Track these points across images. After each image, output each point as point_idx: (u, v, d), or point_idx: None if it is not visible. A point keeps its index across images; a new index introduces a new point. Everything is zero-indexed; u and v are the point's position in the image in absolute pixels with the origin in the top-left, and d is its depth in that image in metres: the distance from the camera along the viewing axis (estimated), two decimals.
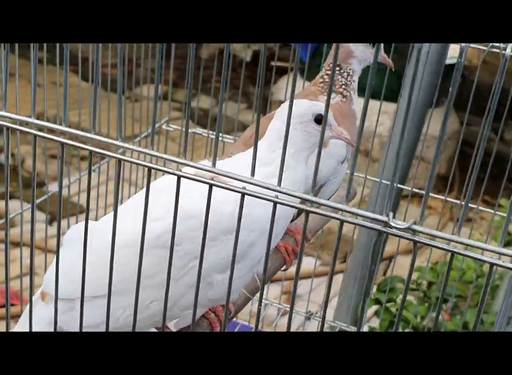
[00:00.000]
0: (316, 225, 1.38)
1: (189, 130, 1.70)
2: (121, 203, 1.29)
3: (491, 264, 0.61)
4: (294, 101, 0.93)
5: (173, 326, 1.01)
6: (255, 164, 0.70)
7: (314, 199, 0.66)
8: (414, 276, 2.33)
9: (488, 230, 1.98)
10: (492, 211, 1.84)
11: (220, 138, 1.74)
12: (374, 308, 2.38)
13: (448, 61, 2.31)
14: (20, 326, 1.01)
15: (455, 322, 2.27)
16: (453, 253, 0.63)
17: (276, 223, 0.80)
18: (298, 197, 0.66)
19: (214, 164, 0.70)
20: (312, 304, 2.34)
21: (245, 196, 0.72)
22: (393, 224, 0.62)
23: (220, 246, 0.90)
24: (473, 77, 1.59)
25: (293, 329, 2.01)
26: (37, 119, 0.79)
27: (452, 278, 2.39)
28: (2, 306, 2.16)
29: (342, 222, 0.65)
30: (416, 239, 0.63)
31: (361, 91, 1.39)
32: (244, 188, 0.69)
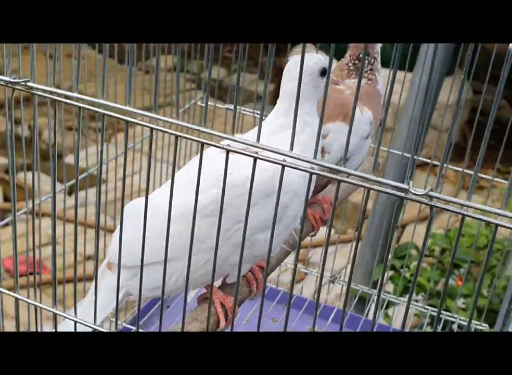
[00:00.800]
0: (341, 195, 1.48)
1: (221, 106, 1.81)
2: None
3: (496, 225, 0.72)
4: (295, 58, 1.03)
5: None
6: (293, 140, 0.81)
7: (345, 170, 0.76)
8: (428, 243, 2.40)
9: (501, 198, 2.05)
10: (502, 181, 1.91)
11: (252, 114, 1.83)
12: (389, 273, 2.46)
13: None
14: (88, 297, 1.12)
15: (468, 287, 2.35)
16: (463, 216, 0.73)
17: (305, 187, 0.92)
18: (331, 168, 0.77)
19: (258, 140, 0.81)
20: (326, 271, 2.43)
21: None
22: (412, 191, 0.73)
23: (260, 209, 1.01)
24: (486, 45, 1.62)
25: (311, 291, 2.09)
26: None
27: (465, 244, 2.49)
28: (24, 275, 2.25)
29: (368, 189, 0.76)
30: (432, 204, 0.73)
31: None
32: (284, 160, 0.79)
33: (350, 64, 1.41)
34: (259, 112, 1.75)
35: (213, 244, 0.98)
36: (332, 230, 3.66)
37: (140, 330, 0.99)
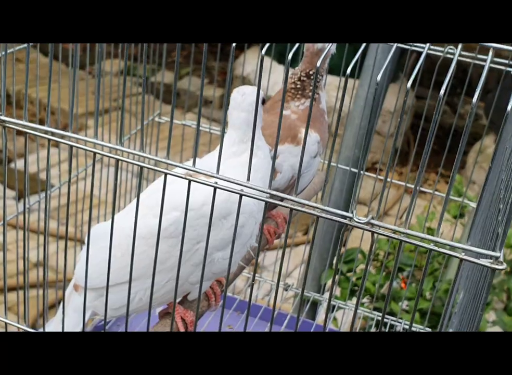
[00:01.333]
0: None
1: (179, 122, 1.87)
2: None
3: (429, 250, 0.82)
4: (236, 89, 1.12)
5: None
6: (250, 171, 0.90)
7: (296, 199, 0.85)
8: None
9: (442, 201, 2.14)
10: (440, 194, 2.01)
11: (208, 130, 1.90)
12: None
13: None
14: (57, 317, 1.19)
15: (411, 290, 2.45)
16: (401, 241, 0.83)
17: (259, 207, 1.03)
18: (285, 198, 0.86)
19: (217, 171, 0.89)
20: (276, 275, 2.50)
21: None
22: (356, 220, 0.82)
23: (217, 229, 1.10)
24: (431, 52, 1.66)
25: (260, 296, 2.15)
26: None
27: (408, 248, 2.59)
28: None
29: (317, 217, 0.85)
30: (373, 230, 0.83)
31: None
32: (242, 190, 0.88)
33: (297, 82, 1.45)
34: (214, 128, 1.86)
35: (174, 264, 1.09)
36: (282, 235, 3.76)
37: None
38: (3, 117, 0.95)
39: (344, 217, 0.83)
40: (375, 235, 0.83)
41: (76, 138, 0.92)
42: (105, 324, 1.06)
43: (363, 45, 0.87)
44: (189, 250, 1.10)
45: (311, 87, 1.44)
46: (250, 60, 4.30)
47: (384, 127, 4.44)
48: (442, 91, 0.79)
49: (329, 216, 0.84)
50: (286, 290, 2.02)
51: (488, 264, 0.79)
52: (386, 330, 2.01)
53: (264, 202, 0.89)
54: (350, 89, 1.66)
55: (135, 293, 1.13)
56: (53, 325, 1.16)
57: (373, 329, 2.20)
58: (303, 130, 1.42)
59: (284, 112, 1.42)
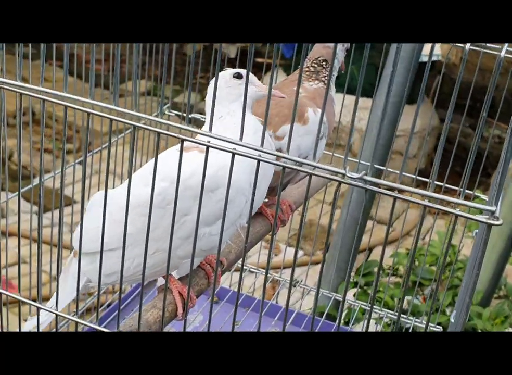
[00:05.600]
0: (300, 197, 1.56)
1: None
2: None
3: (424, 206, 0.80)
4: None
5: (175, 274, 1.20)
6: (242, 132, 0.89)
7: (289, 156, 0.84)
8: (391, 261, 2.46)
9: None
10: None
11: None
12: (354, 290, 2.52)
13: (424, 58, 2.40)
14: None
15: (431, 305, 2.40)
16: (395, 198, 0.81)
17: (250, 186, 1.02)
18: (297, 161, 0.85)
19: (210, 130, 0.88)
20: (296, 293, 2.49)
21: (223, 159, 0.94)
22: (348, 175, 0.80)
23: (204, 203, 1.04)
24: (452, 74, 1.68)
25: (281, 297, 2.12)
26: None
27: (428, 262, 2.55)
28: None
29: (310, 175, 0.83)
30: (366, 187, 0.81)
31: (339, 87, 1.58)
32: (234, 149, 0.87)
33: (310, 67, 1.50)
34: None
35: (160, 235, 1.09)
36: (301, 252, 3.74)
37: (101, 328, 1.04)
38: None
39: (337, 174, 0.82)
40: (367, 192, 0.81)
41: (73, 98, 0.92)
42: (99, 292, 1.05)
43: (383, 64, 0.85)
44: (175, 222, 1.08)
45: (324, 75, 1.49)
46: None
47: (405, 148, 4.39)
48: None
49: (321, 173, 0.82)
50: (294, 286, 1.98)
51: (484, 220, 0.76)
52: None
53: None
54: (371, 108, 1.68)
55: (124, 261, 1.12)
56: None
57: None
58: (310, 110, 1.41)
59: (293, 88, 1.42)
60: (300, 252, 3.69)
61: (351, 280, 2.44)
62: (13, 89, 0.94)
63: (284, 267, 3.29)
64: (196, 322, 1.81)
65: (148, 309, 1.10)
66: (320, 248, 3.86)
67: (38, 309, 1.09)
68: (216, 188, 1.10)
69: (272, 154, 0.86)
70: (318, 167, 0.82)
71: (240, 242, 1.31)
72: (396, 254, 2.41)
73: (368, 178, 0.80)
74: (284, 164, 0.85)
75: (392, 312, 2.09)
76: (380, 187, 0.81)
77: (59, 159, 3.10)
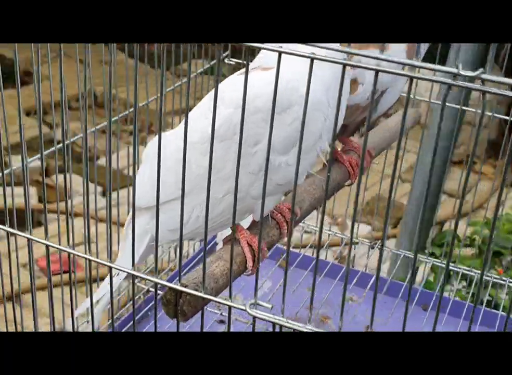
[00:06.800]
0: (381, 144, 1.39)
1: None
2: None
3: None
4: None
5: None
6: None
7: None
8: (469, 231, 2.32)
9: None
10: None
11: None
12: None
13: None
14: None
15: (510, 275, 2.26)
16: None
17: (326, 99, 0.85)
18: (400, 63, 0.68)
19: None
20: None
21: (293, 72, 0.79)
22: (463, 73, 0.64)
23: (276, 126, 0.83)
24: None
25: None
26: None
27: (506, 230, 2.39)
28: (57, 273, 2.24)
29: (411, 78, 0.67)
30: (484, 89, 0.64)
31: None
32: (313, 53, 0.70)
33: None
34: None
35: (230, 172, 0.92)
36: (369, 228, 3.55)
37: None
38: None
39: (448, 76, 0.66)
40: (486, 95, 0.65)
41: None
42: (156, 244, 0.88)
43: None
44: (245, 154, 0.91)
45: None
46: None
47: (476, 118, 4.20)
48: None
49: (427, 76, 0.66)
50: (372, 248, 1.81)
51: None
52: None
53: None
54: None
55: (190, 211, 0.96)
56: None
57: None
58: None
59: None
60: (368, 228, 3.51)
61: (426, 251, 2.30)
62: None
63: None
64: (265, 287, 1.64)
65: (214, 260, 0.93)
66: (390, 223, 3.68)
67: (110, 268, 0.93)
68: (288, 107, 0.92)
69: (358, 55, 0.70)
70: (424, 67, 0.66)
71: (313, 190, 1.14)
72: (470, 223, 2.26)
73: (487, 76, 0.64)
74: (378, 68, 0.69)
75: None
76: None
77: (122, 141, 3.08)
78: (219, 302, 0.84)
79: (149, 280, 0.88)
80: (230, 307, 0.83)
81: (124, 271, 0.91)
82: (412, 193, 2.47)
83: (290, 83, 0.91)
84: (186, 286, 0.85)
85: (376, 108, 1.24)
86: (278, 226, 1.05)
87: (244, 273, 0.98)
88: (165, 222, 0.88)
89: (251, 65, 0.91)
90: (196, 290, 0.85)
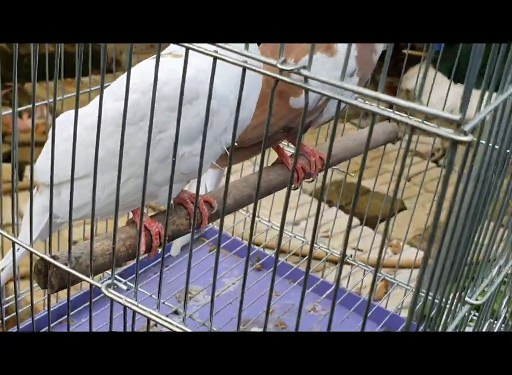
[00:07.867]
0: (341, 152, 1.35)
1: None
2: None
3: (373, 113, 0.59)
4: None
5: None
6: None
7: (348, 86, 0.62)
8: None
9: None
10: None
11: None
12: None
13: None
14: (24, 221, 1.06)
15: None
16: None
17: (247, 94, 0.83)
18: (329, 83, 0.62)
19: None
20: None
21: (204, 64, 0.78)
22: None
23: (182, 116, 0.82)
24: None
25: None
26: None
27: None
28: None
29: (373, 113, 0.62)
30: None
31: None
32: (216, 52, 0.69)
33: None
34: None
35: (134, 158, 0.92)
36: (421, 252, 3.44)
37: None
38: None
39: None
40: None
41: None
42: (50, 221, 0.90)
43: None
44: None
45: None
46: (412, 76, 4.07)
47: None
48: None
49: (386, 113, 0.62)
50: (344, 260, 1.74)
51: (445, 134, 0.56)
52: None
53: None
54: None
55: (89, 192, 0.96)
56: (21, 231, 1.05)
57: None
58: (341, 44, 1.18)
59: None
60: (420, 253, 3.39)
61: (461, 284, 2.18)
62: None
63: (400, 267, 3.06)
64: (231, 287, 1.62)
65: (99, 239, 0.93)
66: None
67: (13, 243, 0.95)
68: (194, 98, 0.92)
69: (259, 60, 0.66)
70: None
71: (242, 187, 1.12)
72: None
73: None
74: (277, 76, 0.64)
75: None
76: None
77: None
78: (82, 279, 0.84)
79: (36, 254, 0.90)
80: (91, 285, 0.84)
81: (23, 247, 0.93)
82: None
83: (199, 73, 0.91)
84: (57, 259, 0.86)
85: (321, 113, 1.21)
86: (189, 215, 1.03)
87: (141, 257, 0.97)
88: (66, 200, 0.88)
89: (164, 51, 0.92)
90: (65, 264, 0.85)
